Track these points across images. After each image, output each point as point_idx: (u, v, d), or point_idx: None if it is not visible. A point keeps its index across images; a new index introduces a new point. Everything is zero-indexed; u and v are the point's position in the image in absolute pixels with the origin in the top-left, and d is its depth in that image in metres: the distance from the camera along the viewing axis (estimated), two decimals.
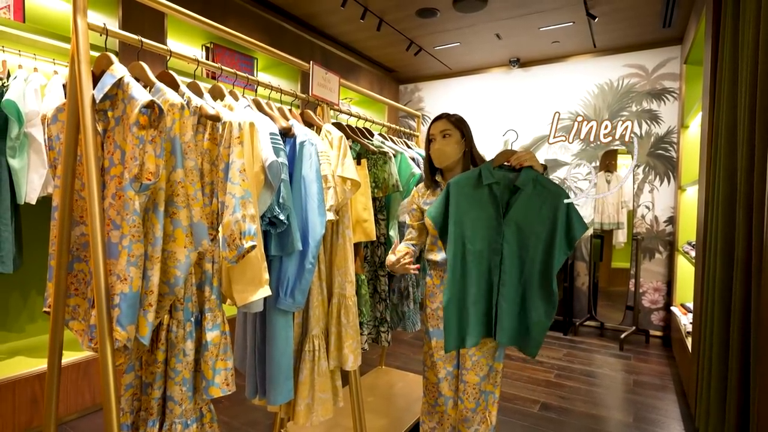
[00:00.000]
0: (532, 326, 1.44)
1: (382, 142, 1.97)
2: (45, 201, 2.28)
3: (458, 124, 1.61)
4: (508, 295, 1.45)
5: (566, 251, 1.41)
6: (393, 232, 1.86)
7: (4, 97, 1.94)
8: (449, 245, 1.46)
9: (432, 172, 1.67)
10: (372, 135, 2.01)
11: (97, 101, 0.97)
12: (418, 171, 1.90)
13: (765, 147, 1.40)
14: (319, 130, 1.64)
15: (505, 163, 1.47)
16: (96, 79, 1.02)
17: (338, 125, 1.82)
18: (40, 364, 2.13)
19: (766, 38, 1.40)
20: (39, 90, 2.08)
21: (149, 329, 0.96)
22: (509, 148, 1.54)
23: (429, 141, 1.64)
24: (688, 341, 2.68)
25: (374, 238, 1.72)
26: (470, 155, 1.61)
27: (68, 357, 2.21)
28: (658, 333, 3.80)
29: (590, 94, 4.06)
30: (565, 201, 1.40)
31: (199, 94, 1.24)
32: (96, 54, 1.25)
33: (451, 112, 1.66)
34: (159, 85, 1.05)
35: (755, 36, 1.52)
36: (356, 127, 1.97)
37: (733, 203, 1.77)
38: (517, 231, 1.44)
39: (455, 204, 1.45)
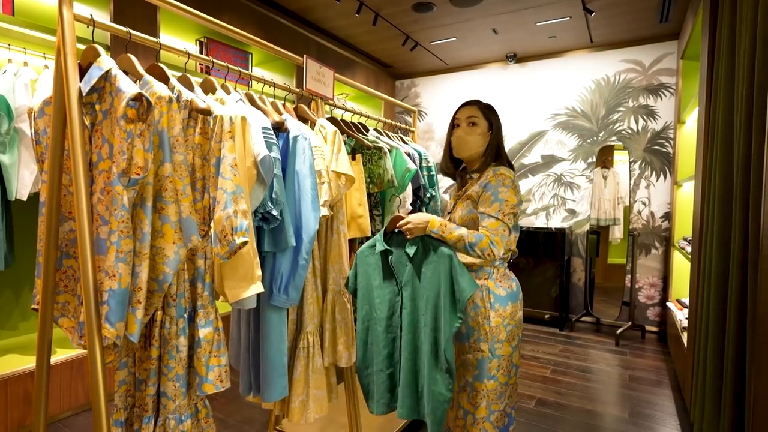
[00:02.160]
0: (430, 399, 1.34)
1: (377, 137, 1.95)
2: (36, 197, 2.25)
3: (488, 112, 1.46)
4: (405, 365, 1.39)
5: (456, 315, 1.32)
6: None
7: None
8: (358, 313, 1.49)
9: (453, 162, 1.55)
10: (367, 130, 2.00)
11: (84, 94, 0.95)
12: (413, 166, 1.89)
13: (762, 142, 1.39)
14: (313, 125, 1.62)
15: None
16: (83, 71, 1.00)
17: (333, 120, 1.80)
18: (33, 362, 2.11)
19: (764, 33, 1.39)
20: (29, 84, 2.05)
21: (138, 326, 0.95)
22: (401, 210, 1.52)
23: (452, 126, 1.50)
24: (684, 336, 2.68)
25: (369, 234, 1.71)
26: (496, 150, 1.46)
27: (61, 354, 2.20)
28: (654, 328, 3.81)
29: (587, 89, 4.05)
30: (449, 260, 1.32)
31: (190, 87, 1.22)
32: (84, 47, 1.23)
33: (480, 101, 1.51)
34: (147, 77, 1.03)
35: (752, 30, 1.51)
36: (351, 122, 1.95)
37: (729, 199, 1.76)
38: (412, 297, 1.39)
39: (362, 273, 1.48)
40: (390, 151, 1.90)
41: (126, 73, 1.05)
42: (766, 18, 1.37)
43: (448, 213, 1.54)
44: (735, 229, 1.60)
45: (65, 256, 1.08)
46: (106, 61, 0.97)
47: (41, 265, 1.04)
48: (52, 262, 1.03)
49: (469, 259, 1.44)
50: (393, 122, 2.53)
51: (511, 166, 1.49)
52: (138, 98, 0.90)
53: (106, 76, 0.96)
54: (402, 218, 1.39)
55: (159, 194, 0.98)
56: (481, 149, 1.46)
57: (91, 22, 1.01)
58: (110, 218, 0.91)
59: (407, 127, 2.67)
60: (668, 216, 3.76)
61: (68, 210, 1.07)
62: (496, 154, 1.46)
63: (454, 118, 1.50)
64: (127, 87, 0.91)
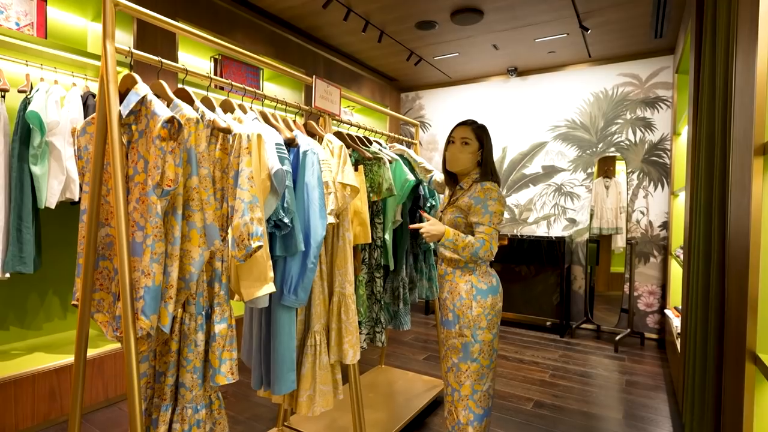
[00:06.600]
0: None
1: (379, 149, 2.08)
2: (63, 205, 2.41)
3: (479, 133, 1.65)
4: None
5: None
6: (388, 236, 1.96)
7: (28, 109, 2.08)
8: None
9: (449, 175, 1.73)
10: (370, 142, 2.13)
11: (123, 117, 1.09)
12: (412, 177, 2.01)
13: (727, 155, 1.51)
14: (321, 140, 1.76)
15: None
16: (122, 96, 1.14)
17: (338, 134, 1.94)
18: (57, 360, 2.25)
19: (734, 51, 1.51)
20: (59, 101, 2.22)
21: (170, 319, 1.08)
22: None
23: (448, 142, 1.70)
24: (678, 342, 2.76)
25: (370, 241, 1.84)
26: (485, 166, 1.65)
27: None
28: (653, 335, 3.88)
29: (586, 102, 4.17)
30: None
31: (212, 108, 1.36)
32: (120, 70, 1.38)
33: (475, 120, 1.71)
34: (177, 101, 1.17)
35: (726, 48, 1.63)
36: (356, 135, 2.09)
37: (711, 209, 1.87)
38: None
39: None
40: (390, 162, 2.03)
41: (157, 96, 1.20)
42: (734, 38, 1.49)
43: (438, 219, 1.75)
44: (714, 237, 1.71)
45: (101, 258, 1.22)
46: (142, 88, 1.12)
47: (81, 266, 1.18)
48: (91, 263, 1.17)
49: (455, 257, 1.65)
50: (396, 135, 2.67)
51: (497, 179, 1.68)
52: (171, 120, 1.04)
53: (143, 101, 1.11)
54: (421, 226, 1.60)
55: (187, 203, 1.11)
56: (470, 165, 1.67)
57: (130, 54, 1.16)
58: (145, 224, 1.04)
59: (410, 140, 2.80)
60: (666, 225, 3.84)
61: (105, 217, 1.21)
62: (485, 170, 1.66)
63: (450, 136, 1.70)
64: (162, 111, 1.05)
